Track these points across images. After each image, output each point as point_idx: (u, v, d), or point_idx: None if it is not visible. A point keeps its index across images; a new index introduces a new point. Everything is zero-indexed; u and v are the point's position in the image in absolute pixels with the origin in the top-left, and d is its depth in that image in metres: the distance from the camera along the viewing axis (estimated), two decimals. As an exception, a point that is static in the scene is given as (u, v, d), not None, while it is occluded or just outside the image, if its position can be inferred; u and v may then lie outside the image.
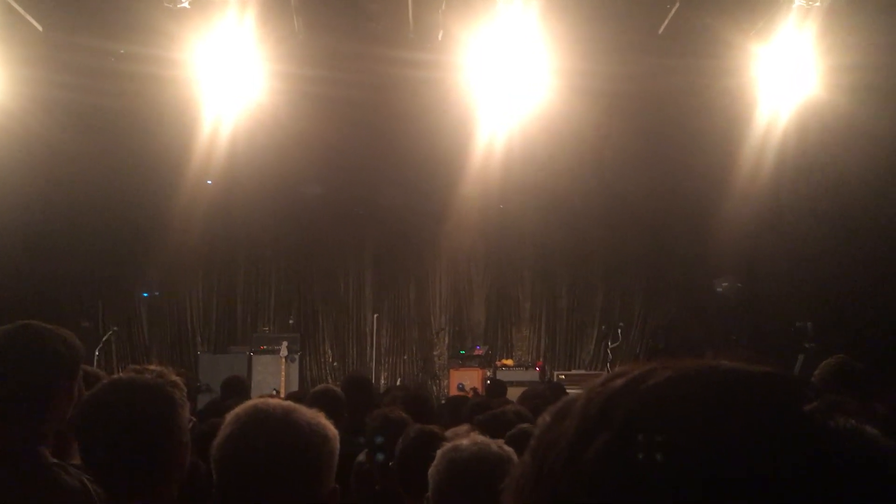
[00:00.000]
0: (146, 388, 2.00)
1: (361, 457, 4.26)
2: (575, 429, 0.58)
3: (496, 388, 9.34)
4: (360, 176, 12.40)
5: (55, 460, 2.13)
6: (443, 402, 9.52)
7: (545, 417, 0.62)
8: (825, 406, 0.54)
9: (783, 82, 9.10)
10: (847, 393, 3.38)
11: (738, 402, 0.54)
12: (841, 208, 10.25)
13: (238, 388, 6.64)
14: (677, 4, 8.52)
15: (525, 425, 3.56)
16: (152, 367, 2.14)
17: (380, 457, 3.78)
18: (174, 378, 2.09)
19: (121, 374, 2.18)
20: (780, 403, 0.54)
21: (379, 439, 4.00)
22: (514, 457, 2.32)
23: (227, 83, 9.12)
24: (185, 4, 8.06)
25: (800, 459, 0.51)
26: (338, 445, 1.83)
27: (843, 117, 8.96)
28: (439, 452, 2.51)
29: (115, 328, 12.32)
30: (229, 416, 1.80)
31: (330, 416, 4.76)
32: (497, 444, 2.45)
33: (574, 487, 0.56)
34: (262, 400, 1.87)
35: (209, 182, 11.54)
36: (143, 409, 1.95)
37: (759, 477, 0.51)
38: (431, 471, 2.46)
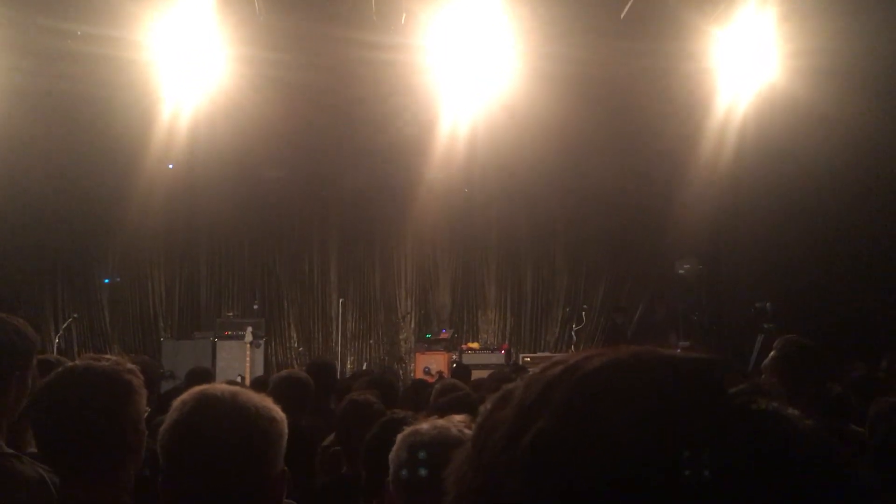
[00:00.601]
0: (102, 374, 1.98)
1: (329, 439, 4.26)
2: (513, 416, 0.59)
3: (461, 372, 9.40)
4: (323, 159, 12.32)
5: (10, 450, 2.11)
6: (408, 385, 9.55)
7: (486, 405, 0.64)
8: (749, 389, 0.56)
9: (744, 66, 9.21)
10: (802, 372, 3.45)
11: (665, 389, 0.55)
12: (800, 192, 10.42)
13: (203, 380, 6.58)
14: (640, -12, 8.57)
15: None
16: (108, 355, 2.12)
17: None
18: (130, 366, 2.08)
19: (76, 361, 2.15)
20: (704, 388, 0.56)
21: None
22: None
23: (187, 66, 8.99)
24: (144, -15, 7.93)
25: (721, 442, 0.53)
26: (285, 428, 1.83)
27: (803, 101, 9.10)
28: (399, 437, 2.52)
29: (76, 315, 12.14)
30: (175, 402, 1.79)
31: (295, 400, 4.77)
32: (457, 428, 2.46)
33: (510, 473, 0.57)
34: (208, 386, 1.86)
35: (170, 166, 11.39)
36: (97, 396, 1.93)
37: (684, 460, 0.52)
38: (391, 455, 2.47)
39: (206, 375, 6.59)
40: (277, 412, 1.82)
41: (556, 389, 0.58)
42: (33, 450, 2.16)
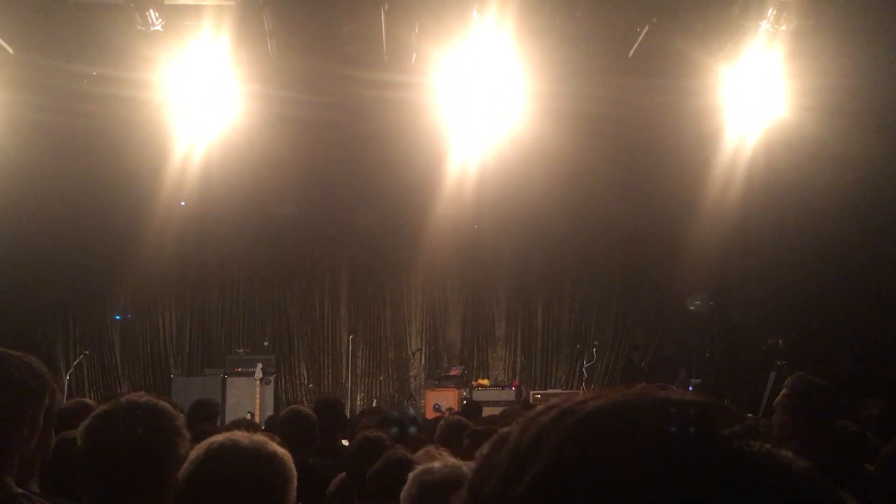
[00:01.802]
0: (164, 413, 2.03)
1: (342, 477, 4.24)
2: (507, 462, 0.60)
3: (471, 409, 9.34)
4: (334, 197, 12.41)
5: (20, 490, 2.11)
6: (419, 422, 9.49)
7: (483, 450, 0.64)
8: (742, 431, 0.57)
9: (751, 104, 9.25)
10: (813, 411, 3.42)
11: (659, 433, 0.56)
12: (809, 228, 10.41)
13: (207, 413, 6.50)
14: (647, 27, 8.65)
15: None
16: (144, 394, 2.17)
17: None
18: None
19: (130, 395, 2.20)
20: (697, 431, 0.56)
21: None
22: None
23: (200, 105, 9.11)
24: (159, 27, 8.06)
25: (715, 484, 0.54)
26: (293, 468, 1.87)
27: (810, 139, 9.12)
28: (411, 475, 2.52)
29: (87, 352, 12.17)
30: (191, 454, 1.84)
31: (302, 437, 4.75)
32: (468, 466, 2.46)
33: None
34: (221, 436, 1.89)
35: (182, 203, 11.49)
36: (157, 437, 1.99)
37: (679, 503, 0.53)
38: (403, 494, 2.47)
39: (209, 408, 6.56)
40: (286, 453, 1.85)
41: (551, 434, 0.59)
42: (36, 490, 2.17)
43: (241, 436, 1.86)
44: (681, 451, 0.55)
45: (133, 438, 1.97)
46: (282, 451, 1.87)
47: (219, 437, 1.86)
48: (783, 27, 8.47)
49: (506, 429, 0.64)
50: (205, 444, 1.85)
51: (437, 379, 12.59)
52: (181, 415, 2.14)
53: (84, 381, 12.33)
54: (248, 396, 11.38)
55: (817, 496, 0.56)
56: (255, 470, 1.78)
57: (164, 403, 2.09)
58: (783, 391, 3.47)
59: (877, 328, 9.98)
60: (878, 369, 9.21)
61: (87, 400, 4.89)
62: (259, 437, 1.88)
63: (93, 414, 2.12)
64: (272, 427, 5.53)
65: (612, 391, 0.62)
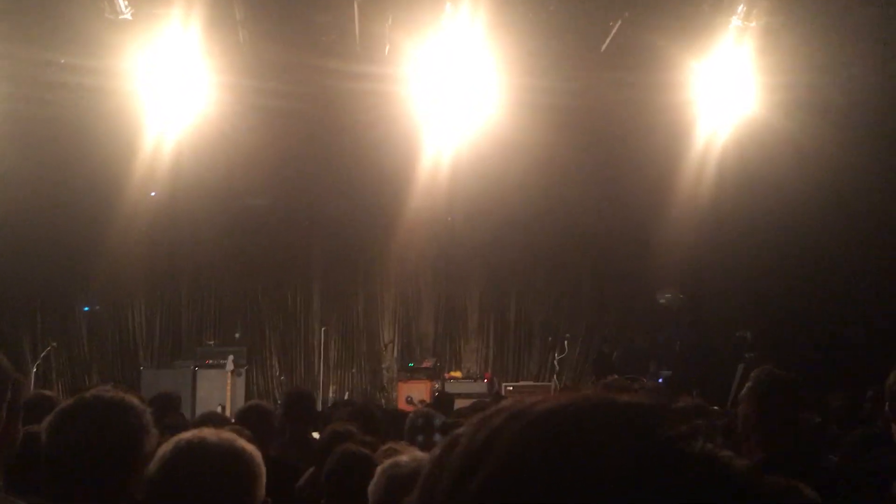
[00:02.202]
0: (124, 405, 2.01)
1: (310, 472, 4.24)
2: (458, 464, 0.61)
3: (443, 401, 9.36)
4: (306, 188, 12.35)
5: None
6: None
7: (436, 451, 0.65)
8: (686, 432, 0.58)
9: (722, 99, 9.34)
10: (776, 403, 3.47)
11: (603, 435, 0.57)
12: (778, 223, 10.54)
13: (168, 405, 6.43)
14: (619, 22, 8.70)
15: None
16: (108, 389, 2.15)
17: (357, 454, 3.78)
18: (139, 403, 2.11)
19: (90, 392, 2.17)
20: (640, 432, 0.58)
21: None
22: None
23: (171, 94, 9.01)
24: (127, 16, 7.96)
25: (655, 484, 0.55)
26: (261, 462, 1.87)
27: (780, 134, 9.24)
28: (379, 469, 2.53)
29: (54, 343, 12.02)
30: (157, 453, 1.84)
31: (262, 431, 4.73)
32: None
33: None
34: (188, 434, 1.89)
35: (153, 194, 11.37)
36: (117, 433, 1.96)
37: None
38: (371, 488, 2.48)
39: (171, 401, 6.49)
40: (254, 449, 1.87)
41: (501, 436, 0.60)
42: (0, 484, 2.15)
43: (208, 432, 1.86)
44: (623, 453, 0.56)
45: (97, 436, 1.95)
46: (250, 447, 1.87)
47: (186, 434, 1.85)
48: (753, 23, 8.57)
49: (458, 430, 0.65)
50: (172, 441, 1.84)
51: (410, 371, 12.60)
52: (148, 410, 2.12)
53: (52, 372, 12.18)
54: (219, 389, 11.31)
55: (756, 494, 0.57)
56: (223, 466, 1.78)
57: (129, 399, 2.07)
58: (748, 384, 3.51)
59: (843, 321, 10.15)
60: (843, 362, 9.37)
61: (49, 392, 4.82)
62: (227, 434, 1.88)
63: (56, 410, 2.09)
64: (243, 420, 5.50)
65: (564, 394, 0.63)
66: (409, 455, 2.57)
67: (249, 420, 4.65)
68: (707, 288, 12.45)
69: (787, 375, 3.48)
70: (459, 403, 9.15)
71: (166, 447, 1.85)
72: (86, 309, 12.83)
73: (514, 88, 9.24)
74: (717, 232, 11.68)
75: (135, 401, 2.09)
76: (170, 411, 6.21)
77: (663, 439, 0.57)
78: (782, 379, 3.43)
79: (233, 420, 6.92)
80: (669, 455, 0.56)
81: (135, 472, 1.96)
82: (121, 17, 7.99)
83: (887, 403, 2.91)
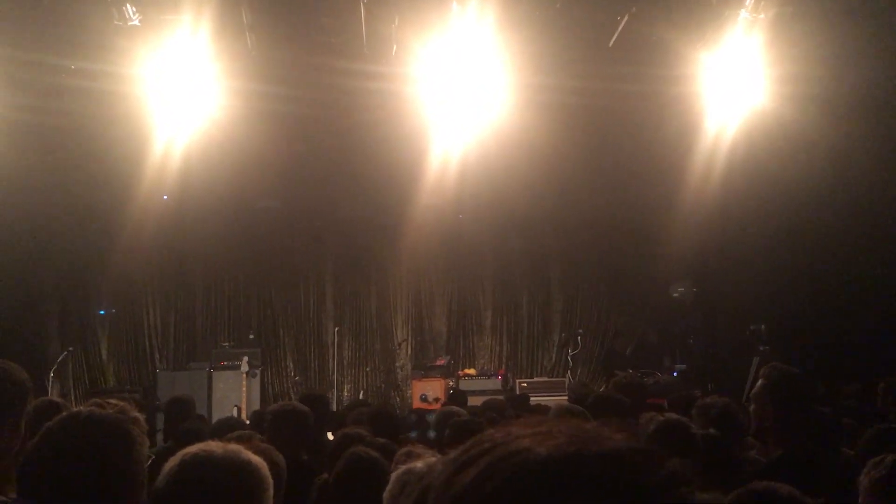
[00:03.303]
0: (104, 423, 2.00)
1: (324, 475, 4.25)
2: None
3: (457, 398, 9.38)
4: (317, 189, 12.38)
5: (2, 498, 2.12)
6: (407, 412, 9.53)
7: (397, 500, 0.67)
8: (664, 478, 0.60)
9: (731, 92, 9.29)
10: (789, 399, 3.47)
11: (585, 491, 0.59)
12: (789, 215, 10.50)
13: (184, 411, 6.41)
14: (627, 16, 8.67)
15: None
16: (114, 400, 2.14)
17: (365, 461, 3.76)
18: (135, 414, 2.10)
19: (81, 407, 2.16)
20: (624, 481, 0.59)
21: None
22: None
23: (180, 99, 9.05)
24: (136, 22, 8.00)
25: None
26: (265, 474, 1.89)
27: (790, 127, 9.18)
28: (393, 476, 2.54)
29: (71, 348, 12.11)
30: (165, 467, 1.85)
31: (296, 433, 4.70)
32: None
33: None
34: (195, 447, 1.90)
35: (165, 197, 11.44)
36: (99, 446, 1.95)
37: None
38: (385, 494, 2.49)
39: (188, 405, 6.49)
40: (260, 461, 1.87)
41: (493, 479, 0.61)
42: (14, 495, 2.17)
43: (215, 445, 1.88)
44: None
45: (78, 455, 1.95)
46: (256, 459, 1.89)
47: (193, 448, 1.87)
48: (762, 15, 8.51)
49: (424, 481, 0.66)
50: (179, 455, 1.86)
51: (424, 369, 12.63)
52: (137, 418, 2.10)
53: (69, 377, 12.28)
54: (235, 390, 11.37)
55: None
56: (229, 479, 1.79)
57: (110, 415, 2.05)
58: (759, 381, 3.52)
59: (857, 314, 10.09)
60: (857, 355, 9.33)
61: (57, 399, 4.85)
62: (233, 446, 1.90)
63: (41, 431, 2.09)
64: (258, 423, 5.52)
65: (549, 430, 0.64)
66: (424, 461, 2.58)
67: (284, 422, 4.62)
68: (720, 281, 12.41)
69: (797, 371, 3.49)
70: (473, 401, 9.19)
71: (173, 461, 1.86)
72: (101, 312, 12.92)
73: (522, 86, 9.22)
74: (729, 225, 11.65)
75: (117, 415, 2.06)
76: (185, 417, 6.24)
77: (651, 490, 0.59)
78: (793, 375, 3.43)
79: (248, 421, 6.97)
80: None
81: (123, 486, 1.97)
82: (129, 23, 8.03)
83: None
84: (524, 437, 0.63)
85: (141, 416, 2.12)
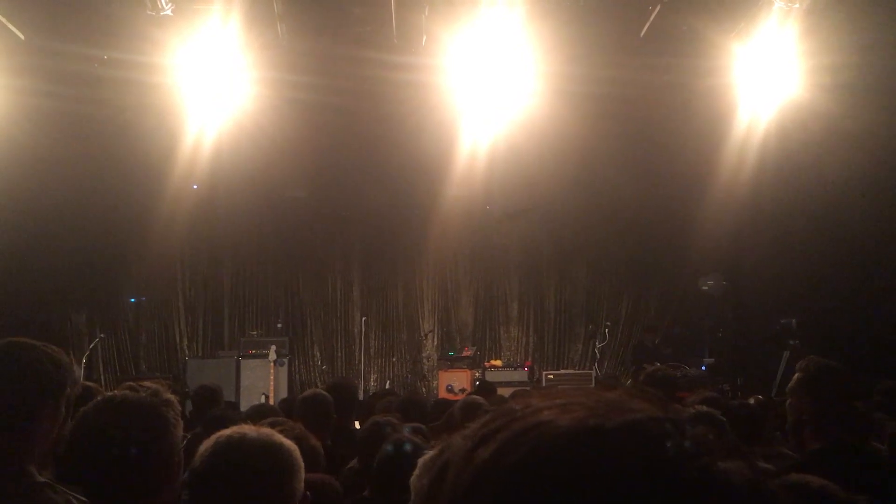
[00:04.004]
0: (139, 406, 2.02)
1: (353, 463, 4.27)
2: (466, 476, 0.61)
3: (485, 390, 9.37)
4: (345, 179, 12.42)
5: (43, 479, 2.15)
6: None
7: (420, 485, 0.66)
8: (691, 447, 0.59)
9: (765, 82, 9.16)
10: (827, 393, 3.43)
11: (606, 464, 0.58)
12: (822, 207, 10.35)
13: (211, 398, 6.46)
14: (658, 6, 8.57)
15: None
16: (147, 383, 2.16)
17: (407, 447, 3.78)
18: (168, 396, 2.12)
19: (115, 391, 2.19)
20: (646, 453, 0.59)
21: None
22: None
23: (211, 89, 9.11)
24: (168, 12, 8.05)
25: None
26: (300, 457, 1.91)
27: (824, 117, 9.05)
28: (420, 461, 2.54)
29: (102, 335, 12.28)
30: (202, 447, 1.88)
31: (321, 420, 4.75)
32: None
33: None
34: (233, 429, 1.92)
35: (195, 186, 11.53)
36: (134, 429, 1.98)
37: None
38: (413, 480, 2.49)
39: (215, 393, 6.55)
40: (292, 444, 1.91)
41: (486, 483, 0.60)
42: (51, 477, 2.20)
43: (248, 428, 1.91)
44: (631, 481, 0.57)
45: (113, 439, 1.97)
46: (288, 442, 1.92)
47: (227, 431, 1.90)
48: (797, 4, 8.37)
49: (440, 458, 0.65)
50: (213, 437, 1.89)
51: (450, 360, 12.65)
52: (170, 400, 2.12)
53: (99, 363, 12.45)
54: (263, 378, 11.47)
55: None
56: (262, 460, 1.83)
57: (144, 397, 2.07)
58: (796, 375, 3.47)
59: (889, 309, 9.94)
60: (888, 349, 9.19)
61: (91, 384, 4.91)
62: (265, 429, 1.92)
63: (77, 416, 2.12)
64: (287, 411, 5.56)
65: (570, 402, 0.63)
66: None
67: (310, 408, 4.68)
68: (750, 274, 12.28)
69: (836, 364, 3.44)
70: (501, 391, 9.17)
71: (208, 443, 1.89)
72: (132, 301, 13.08)
73: (552, 77, 9.16)
74: (760, 217, 11.52)
75: (152, 398, 2.09)
76: (213, 404, 6.30)
77: (672, 458, 0.58)
78: (833, 368, 3.38)
79: (291, 408, 7.01)
80: (683, 475, 0.58)
81: (158, 469, 2.00)
82: (162, 13, 8.08)
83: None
84: (545, 410, 0.63)
85: (174, 398, 2.14)
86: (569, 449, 0.59)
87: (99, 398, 2.13)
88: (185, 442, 2.36)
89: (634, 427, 0.60)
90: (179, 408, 2.14)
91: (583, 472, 0.58)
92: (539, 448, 0.60)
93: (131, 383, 2.21)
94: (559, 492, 0.57)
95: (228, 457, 1.84)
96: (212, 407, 6.25)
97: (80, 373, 11.05)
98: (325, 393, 5.15)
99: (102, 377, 12.36)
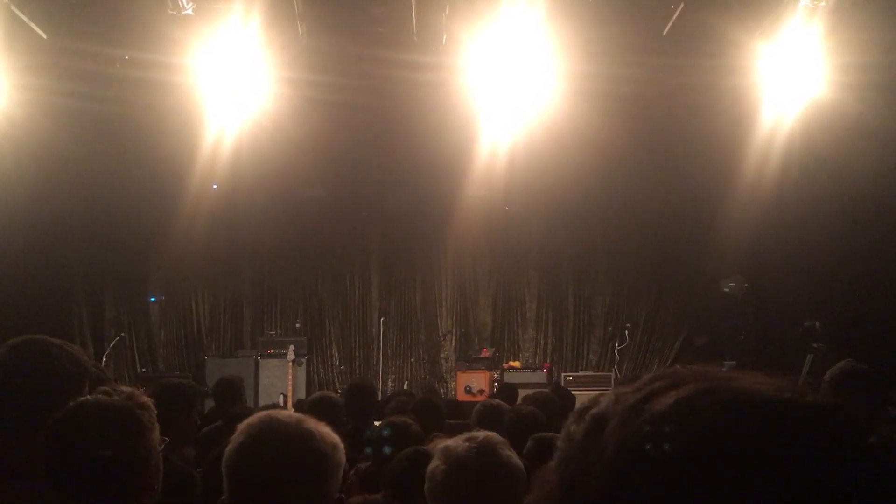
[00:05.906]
0: (112, 410, 1.98)
1: (363, 464, 4.24)
2: (612, 461, 0.56)
3: (506, 392, 9.32)
4: (364, 179, 12.42)
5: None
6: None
7: (571, 432, 0.61)
8: (886, 439, 0.55)
9: (789, 82, 9.06)
10: (858, 397, 3.37)
11: (802, 442, 0.54)
12: (846, 208, 10.21)
13: (232, 392, 6.45)
14: (682, 5, 8.49)
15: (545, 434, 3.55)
16: (123, 387, 2.12)
17: (387, 450, 3.78)
18: (144, 400, 2.08)
19: (89, 396, 2.15)
20: (846, 438, 0.55)
21: (386, 432, 4.03)
22: (513, 458, 2.34)
23: (231, 89, 9.13)
24: (189, 11, 8.07)
25: (868, 494, 0.53)
26: (343, 456, 1.87)
27: (850, 116, 8.92)
28: (437, 450, 2.54)
29: (123, 334, 12.34)
30: (242, 426, 1.84)
31: (329, 423, 4.74)
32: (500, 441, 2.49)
33: None
34: (273, 410, 1.90)
35: (214, 186, 11.56)
36: (108, 432, 1.94)
37: None
38: (429, 468, 2.49)
39: (236, 386, 6.53)
40: (337, 439, 1.86)
41: (664, 438, 0.55)
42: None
43: (280, 413, 1.88)
44: (831, 461, 0.54)
45: (87, 442, 1.93)
46: (323, 429, 1.88)
47: (260, 414, 1.87)
48: (822, 2, 8.27)
49: (596, 408, 0.60)
50: (246, 422, 1.86)
51: (468, 361, 12.60)
52: (146, 403, 2.07)
53: (119, 362, 12.51)
54: (281, 378, 11.48)
55: None
56: (296, 446, 1.79)
57: (117, 401, 2.03)
58: (826, 378, 3.40)
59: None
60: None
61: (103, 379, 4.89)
62: (297, 415, 1.89)
63: (49, 421, 2.04)
64: (302, 411, 5.54)
65: (725, 380, 0.58)
66: (466, 437, 2.56)
67: (318, 411, 4.66)
68: (772, 276, 12.14)
69: (868, 368, 3.37)
70: (519, 392, 9.12)
71: (241, 427, 1.85)
72: (152, 300, 13.14)
73: (573, 76, 9.10)
74: (783, 219, 11.38)
75: (131, 401, 2.04)
76: (235, 398, 6.28)
77: (871, 447, 0.55)
78: (864, 372, 3.32)
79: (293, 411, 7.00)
80: (883, 464, 0.54)
81: (135, 472, 1.96)
82: (183, 12, 8.11)
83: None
84: (726, 378, 0.59)
85: (150, 401, 2.10)
86: (769, 414, 0.55)
87: (71, 403, 2.08)
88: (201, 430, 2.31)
89: (830, 409, 0.57)
90: (155, 411, 2.09)
91: (786, 440, 0.54)
92: (733, 406, 0.56)
93: (105, 388, 2.16)
94: (758, 455, 0.53)
95: (262, 441, 1.80)
96: (233, 401, 6.25)
97: (108, 372, 11.10)
98: (333, 395, 5.15)
99: (123, 377, 12.42)
